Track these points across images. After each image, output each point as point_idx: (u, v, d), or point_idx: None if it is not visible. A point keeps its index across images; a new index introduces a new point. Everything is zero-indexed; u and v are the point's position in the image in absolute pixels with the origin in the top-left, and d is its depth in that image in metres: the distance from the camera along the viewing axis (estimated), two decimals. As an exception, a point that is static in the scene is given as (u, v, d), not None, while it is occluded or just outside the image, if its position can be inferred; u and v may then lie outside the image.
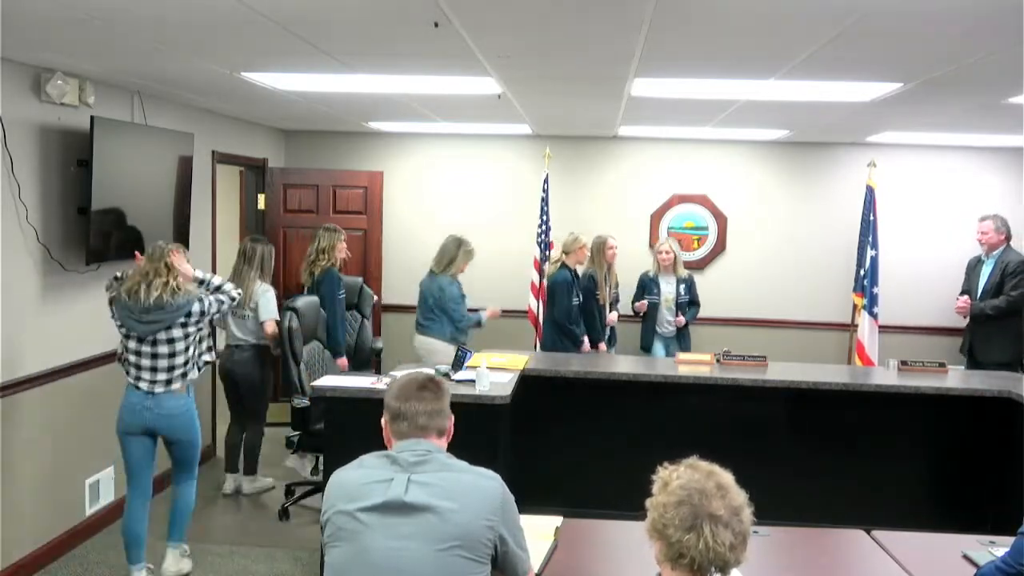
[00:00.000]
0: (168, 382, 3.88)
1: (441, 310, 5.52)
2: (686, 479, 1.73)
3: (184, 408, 3.96)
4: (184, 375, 3.93)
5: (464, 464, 2.14)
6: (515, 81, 4.26)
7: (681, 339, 6.35)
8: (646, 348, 6.40)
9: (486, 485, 2.09)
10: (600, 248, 6.14)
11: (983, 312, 5.84)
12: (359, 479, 2.08)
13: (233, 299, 4.17)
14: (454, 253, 5.57)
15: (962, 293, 6.16)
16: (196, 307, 3.87)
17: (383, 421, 2.21)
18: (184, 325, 3.86)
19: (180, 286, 3.84)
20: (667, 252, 6.29)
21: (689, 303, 6.36)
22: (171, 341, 3.84)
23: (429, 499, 2.01)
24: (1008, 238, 5.94)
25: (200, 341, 4.04)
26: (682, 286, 6.30)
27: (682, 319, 6.27)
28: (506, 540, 2.07)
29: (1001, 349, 5.74)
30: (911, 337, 6.95)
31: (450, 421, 2.21)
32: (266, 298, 5.14)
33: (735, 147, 7.14)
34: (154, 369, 3.85)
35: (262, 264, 5.21)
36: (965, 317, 6.07)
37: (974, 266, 6.18)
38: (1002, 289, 5.82)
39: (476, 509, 2.03)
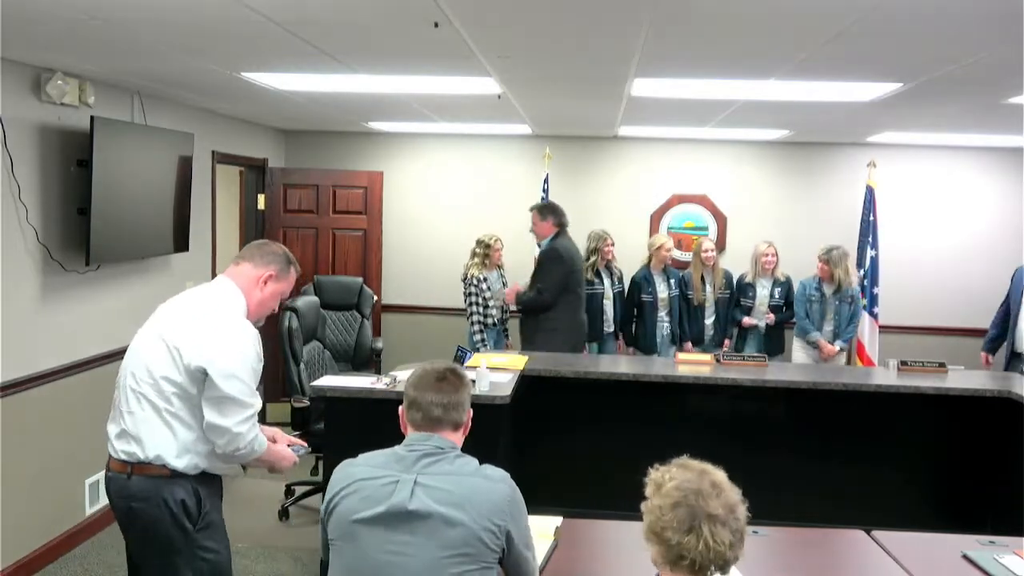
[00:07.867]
0: None
1: None
2: (680, 480, 1.70)
3: None
4: None
5: (473, 464, 2.09)
6: (515, 81, 4.26)
7: (769, 341, 6.15)
8: (737, 352, 6.22)
9: (493, 488, 2.04)
10: (696, 251, 6.32)
11: None
12: (364, 476, 2.04)
13: None
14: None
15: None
16: None
17: (400, 409, 2.17)
18: None
19: None
20: (773, 256, 6.15)
21: (784, 306, 6.15)
22: None
23: (434, 505, 1.97)
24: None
25: None
26: (777, 289, 6.13)
27: (772, 316, 6.11)
28: (512, 539, 2.03)
29: None
30: (911, 337, 6.95)
31: (468, 415, 2.19)
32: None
33: (735, 147, 7.14)
34: None
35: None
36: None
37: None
38: None
39: (482, 514, 1.98)
